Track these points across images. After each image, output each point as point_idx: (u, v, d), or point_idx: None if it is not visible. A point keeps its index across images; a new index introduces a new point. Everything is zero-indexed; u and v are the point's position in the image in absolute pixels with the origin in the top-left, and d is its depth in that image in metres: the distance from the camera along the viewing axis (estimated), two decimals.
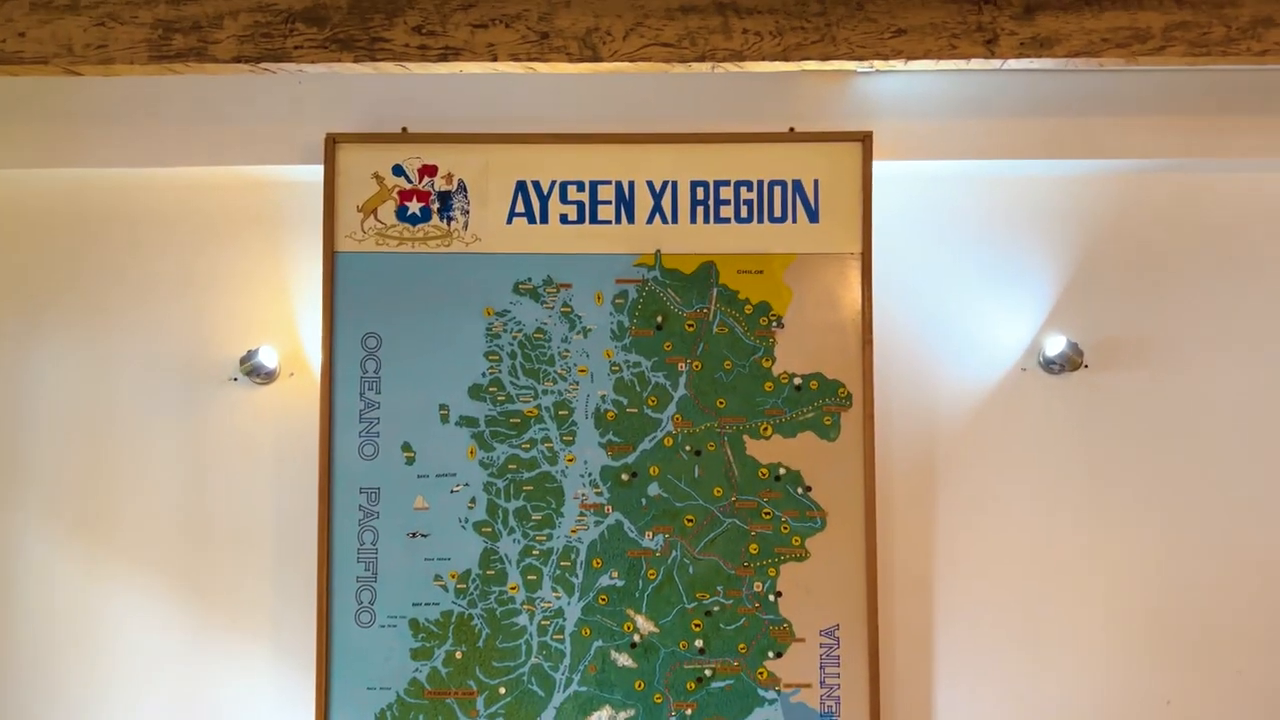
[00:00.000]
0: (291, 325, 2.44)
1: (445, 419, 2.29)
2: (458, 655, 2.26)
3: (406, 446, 2.29)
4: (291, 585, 2.36)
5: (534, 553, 2.27)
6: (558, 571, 2.27)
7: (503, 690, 2.25)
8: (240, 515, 2.40)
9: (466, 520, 2.28)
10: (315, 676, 2.24)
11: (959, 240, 2.46)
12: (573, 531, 2.27)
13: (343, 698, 2.24)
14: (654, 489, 2.28)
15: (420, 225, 2.33)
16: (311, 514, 2.28)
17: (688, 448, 2.28)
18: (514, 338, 2.31)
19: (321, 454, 2.28)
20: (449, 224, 2.33)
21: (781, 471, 2.28)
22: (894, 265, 2.40)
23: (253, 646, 2.38)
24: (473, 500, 2.28)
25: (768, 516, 2.27)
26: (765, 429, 2.29)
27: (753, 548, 2.27)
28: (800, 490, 2.27)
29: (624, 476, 2.28)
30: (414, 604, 2.26)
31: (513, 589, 2.27)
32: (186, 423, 2.43)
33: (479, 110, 2.38)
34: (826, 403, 2.29)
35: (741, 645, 2.25)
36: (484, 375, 2.30)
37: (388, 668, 2.25)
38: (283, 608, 2.37)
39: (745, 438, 2.29)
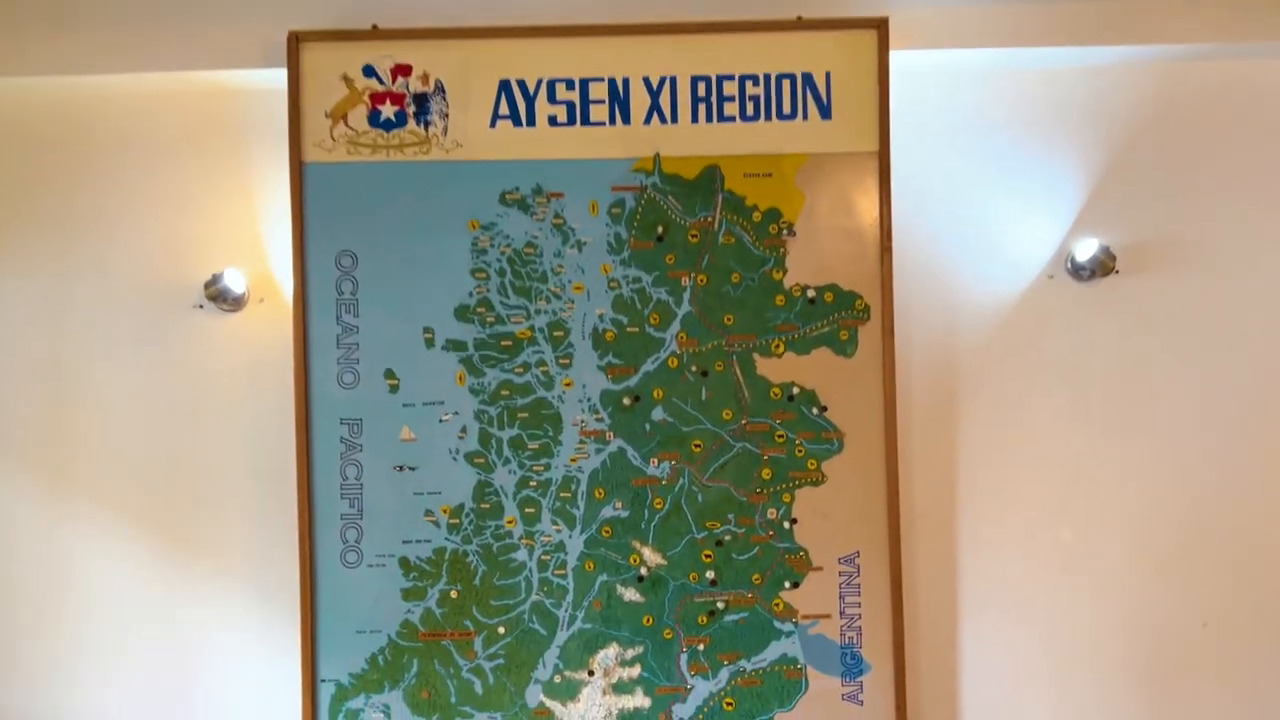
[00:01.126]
0: (259, 246, 2.25)
1: (430, 343, 2.11)
2: (453, 595, 2.11)
3: (389, 374, 2.11)
4: (272, 525, 2.20)
5: (531, 484, 2.11)
6: (557, 503, 2.11)
7: (502, 630, 2.11)
8: (214, 452, 2.23)
9: (457, 451, 2.11)
10: (299, 622, 2.09)
11: (981, 139, 2.28)
12: (572, 460, 2.11)
13: (331, 643, 2.10)
14: (658, 413, 2.11)
15: (395, 131, 2.12)
16: (290, 448, 2.11)
17: (694, 368, 2.11)
18: (502, 253, 2.12)
19: (297, 383, 2.10)
20: (426, 129, 2.12)
21: (795, 391, 2.12)
22: (912, 167, 2.21)
23: (234, 592, 2.23)
24: (463, 430, 2.11)
25: (781, 439, 2.12)
26: (777, 346, 2.12)
27: (765, 473, 2.12)
28: (815, 411, 2.12)
29: (626, 401, 2.11)
30: (404, 541, 2.11)
31: (509, 523, 2.11)
32: (150, 354, 2.25)
33: (457, 2, 2.16)
34: (842, 316, 2.12)
35: (755, 576, 2.11)
36: (471, 295, 2.12)
37: (378, 610, 2.10)
38: (265, 549, 2.21)
39: (755, 356, 2.12)
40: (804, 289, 2.12)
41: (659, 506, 2.11)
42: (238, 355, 2.24)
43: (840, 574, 2.12)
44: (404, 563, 2.11)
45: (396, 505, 2.11)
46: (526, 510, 2.12)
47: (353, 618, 2.10)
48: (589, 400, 2.11)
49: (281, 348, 2.15)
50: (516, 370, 2.12)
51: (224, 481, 2.22)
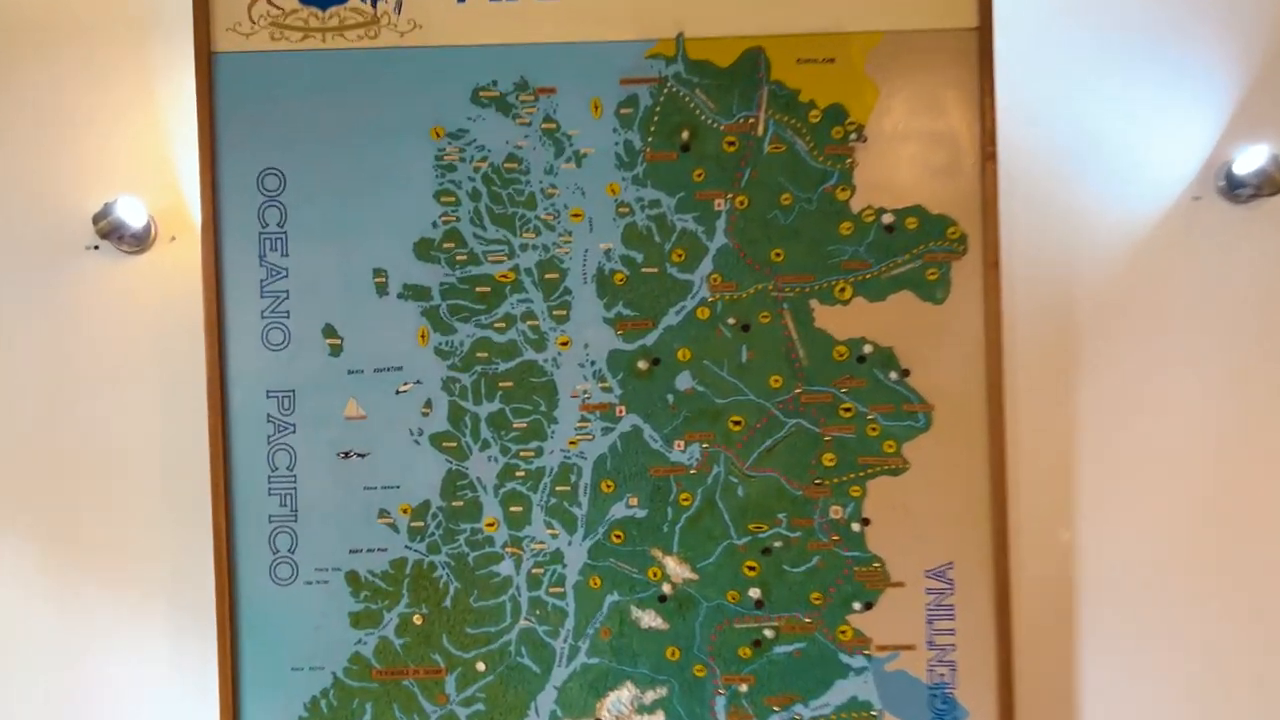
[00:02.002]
0: (169, 168, 1.73)
1: (383, 290, 1.60)
2: (416, 620, 1.61)
3: (330, 331, 1.60)
4: (187, 529, 1.70)
5: (518, 474, 1.60)
6: (552, 500, 1.60)
7: (481, 666, 1.61)
8: (112, 437, 1.73)
9: (420, 433, 1.60)
10: (218, 656, 1.59)
11: (1106, 21, 1.72)
12: (571, 444, 1.60)
13: (259, 683, 1.60)
14: (684, 380, 1.59)
15: (332, 8, 1.60)
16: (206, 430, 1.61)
17: (731, 320, 1.59)
18: (476, 170, 1.60)
19: (209, 346, 1.59)
20: (374, 5, 1.60)
21: (866, 350, 1.59)
22: (1019, 52, 1.66)
23: (139, 616, 1.73)
24: (428, 404, 1.60)
25: (848, 414, 1.59)
26: (842, 290, 1.59)
27: (827, 458, 1.59)
28: (894, 375, 1.59)
29: (641, 364, 1.59)
30: (351, 551, 1.61)
31: (490, 526, 1.60)
32: (30, 312, 1.74)
33: None
34: (929, 249, 1.59)
35: (815, 594, 1.60)
36: (435, 226, 1.60)
37: (319, 640, 1.61)
38: (178, 560, 1.71)
39: (814, 303, 1.59)
40: (878, 213, 1.59)
41: (686, 503, 1.60)
42: (142, 311, 1.73)
43: (928, 592, 1.60)
44: (352, 578, 1.60)
45: (341, 503, 1.60)
46: (512, 509, 1.61)
47: (286, 650, 1.60)
48: (593, 364, 1.60)
49: (198, 300, 1.64)
50: (497, 325, 1.60)
51: (125, 474, 1.72)
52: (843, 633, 1.60)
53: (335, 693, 1.60)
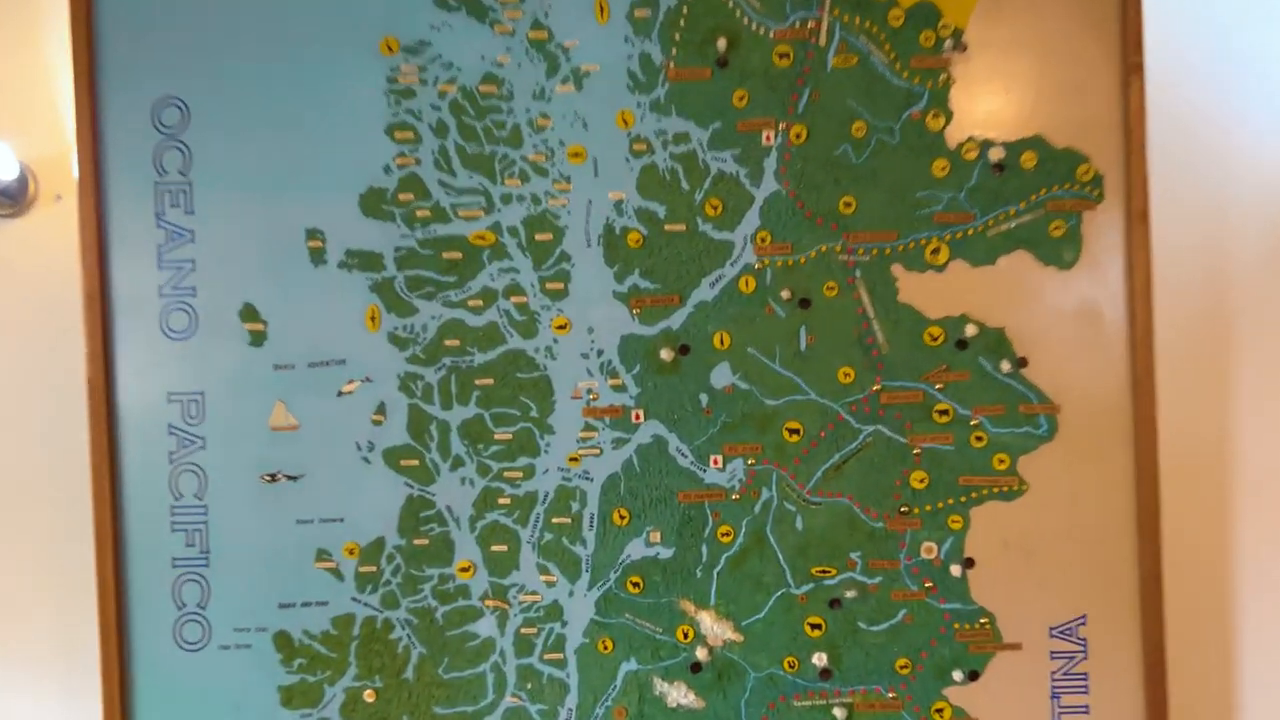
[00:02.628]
0: (52, 112, 1.34)
1: (320, 257, 1.20)
2: (368, 697, 1.21)
3: (249, 313, 1.20)
4: (73, 574, 1.30)
5: (502, 502, 1.20)
6: (548, 536, 1.20)
7: None
8: None
9: (371, 447, 1.20)
10: None
11: None
12: (572, 461, 1.20)
13: None
14: (723, 375, 1.19)
15: None
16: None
17: (785, 294, 1.18)
18: (442, 95, 1.19)
19: (89, 333, 1.20)
20: None
21: (969, 332, 1.18)
22: None
23: (17, 683, 1.33)
24: (380, 409, 1.20)
25: (945, 418, 1.18)
26: (935, 252, 1.18)
27: (917, 479, 1.18)
28: (1006, 367, 1.18)
29: (665, 354, 1.19)
30: (281, 605, 1.21)
31: (464, 571, 1.20)
32: None
33: None
34: (1054, 194, 1.18)
35: (901, 661, 1.19)
36: (388, 171, 1.20)
37: None
38: (60, 615, 1.31)
39: (897, 270, 1.18)
40: (983, 148, 1.18)
41: (726, 540, 1.19)
42: (18, 288, 1.34)
43: (1054, 656, 1.18)
44: (283, 641, 1.21)
45: (268, 543, 1.20)
46: (494, 549, 1.20)
47: None
48: (600, 355, 1.19)
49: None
50: (471, 304, 1.20)
51: (7, 502, 1.33)
52: (939, 712, 1.19)
53: None
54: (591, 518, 1.20)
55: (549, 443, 1.20)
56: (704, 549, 1.19)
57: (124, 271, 1.20)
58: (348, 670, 1.21)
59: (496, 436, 1.20)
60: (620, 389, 1.19)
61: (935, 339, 1.18)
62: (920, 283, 1.18)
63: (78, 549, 1.23)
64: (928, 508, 1.19)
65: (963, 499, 1.18)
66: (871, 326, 1.18)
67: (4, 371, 1.31)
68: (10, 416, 1.30)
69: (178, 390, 1.20)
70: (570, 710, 1.20)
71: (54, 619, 1.29)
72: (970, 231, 1.18)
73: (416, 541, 1.20)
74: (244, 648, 1.21)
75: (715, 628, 1.19)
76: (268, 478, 1.20)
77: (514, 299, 1.19)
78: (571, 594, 1.20)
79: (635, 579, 1.20)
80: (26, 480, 1.29)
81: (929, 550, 1.19)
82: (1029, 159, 1.17)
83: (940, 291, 1.18)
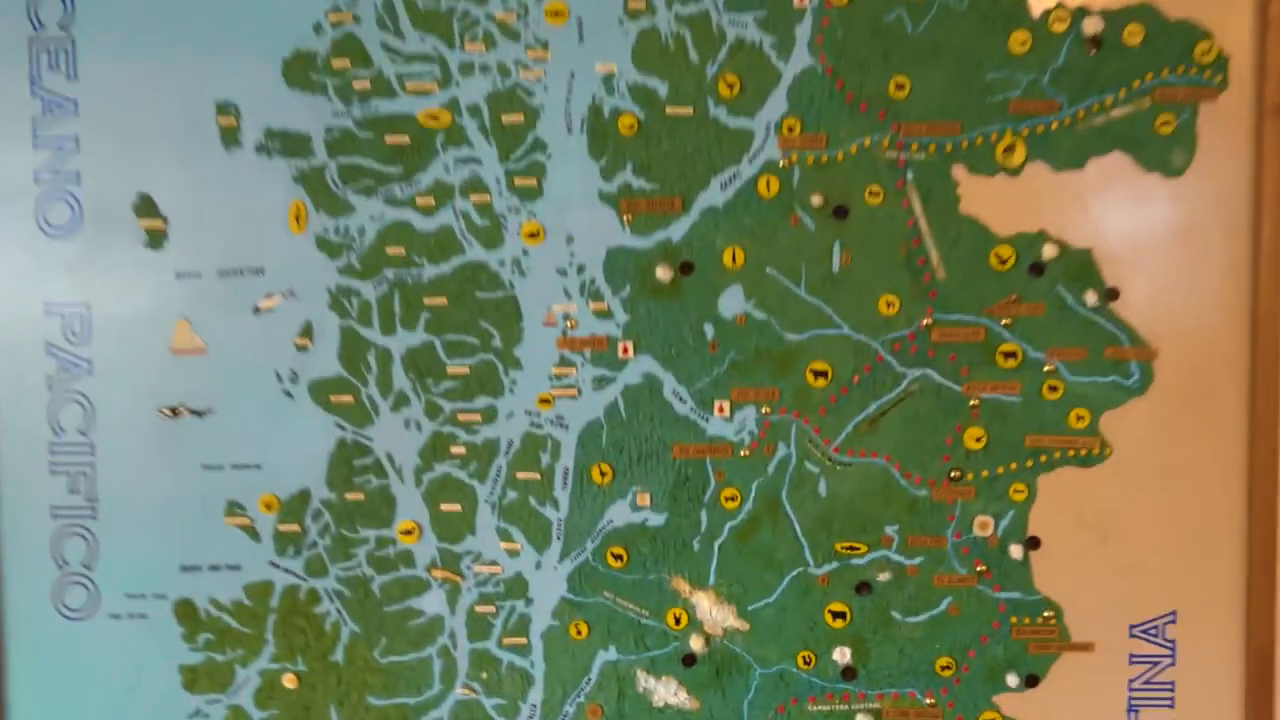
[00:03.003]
0: None
1: (233, 138, 0.96)
2: (288, 682, 0.99)
3: (146, 206, 0.97)
4: None
5: (455, 451, 0.97)
6: (511, 495, 0.97)
7: None
8: None
9: (295, 378, 0.97)
10: None
11: None
12: (544, 403, 0.96)
13: None
14: (734, 301, 0.95)
15: None
16: None
17: (817, 200, 0.93)
18: None
19: None
20: None
21: (1047, 253, 0.93)
22: None
23: None
24: (306, 331, 0.97)
25: (1011, 362, 0.94)
26: (1009, 150, 0.93)
27: (973, 436, 0.94)
28: (1092, 299, 0.93)
29: (662, 272, 0.94)
30: (184, 568, 0.99)
31: (408, 535, 0.98)
32: None
33: None
34: (1163, 80, 0.92)
35: (944, 660, 0.96)
36: (319, 31, 0.95)
37: (134, 707, 1.00)
38: None
39: (959, 171, 0.93)
40: (1075, 17, 0.92)
41: (732, 506, 0.96)
42: None
43: (1133, 660, 0.95)
44: (186, 612, 0.99)
45: (168, 492, 0.98)
46: (444, 508, 0.98)
47: None
48: (581, 271, 0.95)
49: None
50: (420, 202, 0.95)
51: None
52: None
53: None
54: (565, 473, 0.97)
55: (515, 380, 0.96)
56: (703, 516, 0.96)
57: None
58: (264, 649, 0.99)
59: (450, 370, 0.96)
60: (605, 315, 0.95)
61: (1004, 261, 0.93)
62: (988, 189, 0.93)
63: None
64: (984, 473, 0.95)
65: (1029, 463, 0.95)
66: (924, 244, 0.94)
67: None
68: None
69: (57, 301, 0.97)
70: (534, 706, 0.98)
71: None
72: (1054, 125, 0.92)
73: (349, 496, 0.97)
74: (138, 618, 0.99)
75: (714, 613, 0.97)
76: (168, 412, 0.97)
77: (474, 197, 0.95)
78: (539, 566, 0.97)
79: (617, 550, 0.97)
80: None
81: (984, 526, 0.95)
82: (1133, 33, 0.92)
83: (1013, 201, 0.93)
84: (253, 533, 0.98)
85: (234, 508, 0.98)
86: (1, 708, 0.99)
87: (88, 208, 0.97)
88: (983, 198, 0.93)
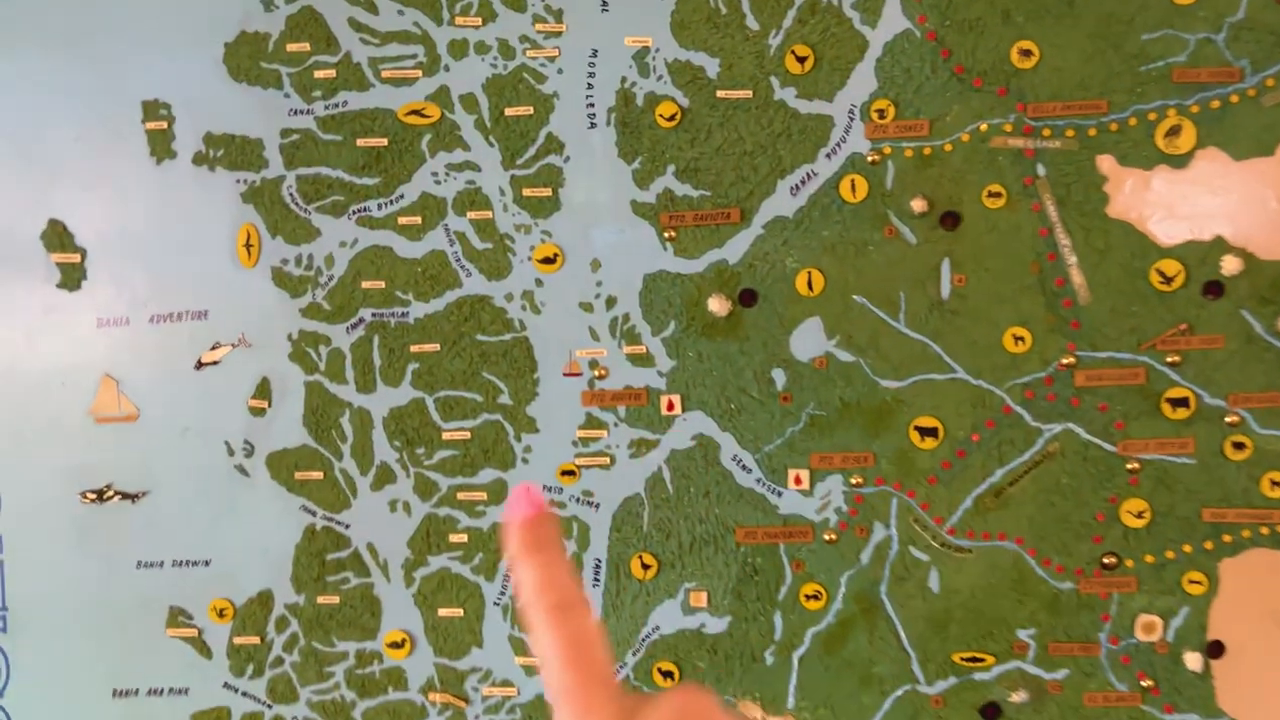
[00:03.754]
0: None
1: (163, 146, 0.75)
2: None
3: (58, 236, 0.76)
4: None
5: (455, 540, 0.76)
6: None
7: None
8: None
9: (250, 450, 0.76)
10: None
11: None
12: (566, 475, 0.75)
13: None
14: (810, 339, 0.73)
15: None
16: None
17: (919, 205, 0.71)
18: None
19: None
20: None
21: (1228, 268, 0.70)
22: None
23: None
24: (263, 390, 0.76)
25: (1182, 412, 0.71)
26: (1172, 131, 0.70)
27: (1132, 510, 0.72)
28: None
29: (715, 305, 0.73)
30: (117, 693, 0.78)
31: (396, 646, 0.76)
32: None
33: None
34: None
35: None
36: (270, 7, 0.75)
37: None
38: None
39: (1104, 163, 0.71)
40: None
41: (814, 605, 0.74)
42: None
43: None
44: None
45: (94, 595, 0.78)
46: (442, 613, 0.76)
47: None
48: (611, 304, 0.74)
49: None
50: (403, 221, 0.74)
51: None
52: None
53: None
54: (598, 566, 0.75)
55: (529, 446, 0.75)
56: (778, 619, 0.74)
57: None
58: None
59: (446, 435, 0.75)
60: (644, 361, 0.74)
61: (1168, 280, 0.71)
62: (1146, 185, 0.71)
63: None
64: (1148, 558, 0.72)
65: (1208, 545, 0.72)
66: (1061, 259, 0.71)
67: None
68: None
69: None
70: None
71: None
72: (1234, 99, 0.70)
73: (321, 599, 0.76)
74: None
75: None
76: (91, 496, 0.77)
77: (472, 214, 0.74)
78: None
79: (666, 665, 0.75)
80: None
81: (1149, 628, 0.72)
82: None
83: (1180, 200, 0.71)
84: (202, 647, 0.77)
85: (178, 615, 0.77)
86: None
87: None
88: (1139, 197, 0.71)
